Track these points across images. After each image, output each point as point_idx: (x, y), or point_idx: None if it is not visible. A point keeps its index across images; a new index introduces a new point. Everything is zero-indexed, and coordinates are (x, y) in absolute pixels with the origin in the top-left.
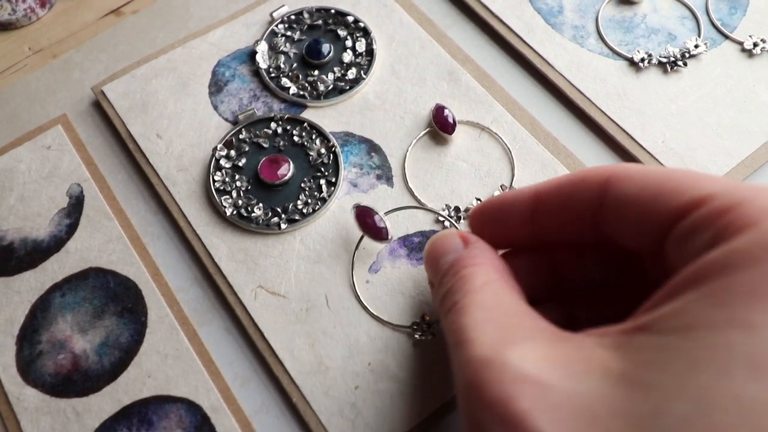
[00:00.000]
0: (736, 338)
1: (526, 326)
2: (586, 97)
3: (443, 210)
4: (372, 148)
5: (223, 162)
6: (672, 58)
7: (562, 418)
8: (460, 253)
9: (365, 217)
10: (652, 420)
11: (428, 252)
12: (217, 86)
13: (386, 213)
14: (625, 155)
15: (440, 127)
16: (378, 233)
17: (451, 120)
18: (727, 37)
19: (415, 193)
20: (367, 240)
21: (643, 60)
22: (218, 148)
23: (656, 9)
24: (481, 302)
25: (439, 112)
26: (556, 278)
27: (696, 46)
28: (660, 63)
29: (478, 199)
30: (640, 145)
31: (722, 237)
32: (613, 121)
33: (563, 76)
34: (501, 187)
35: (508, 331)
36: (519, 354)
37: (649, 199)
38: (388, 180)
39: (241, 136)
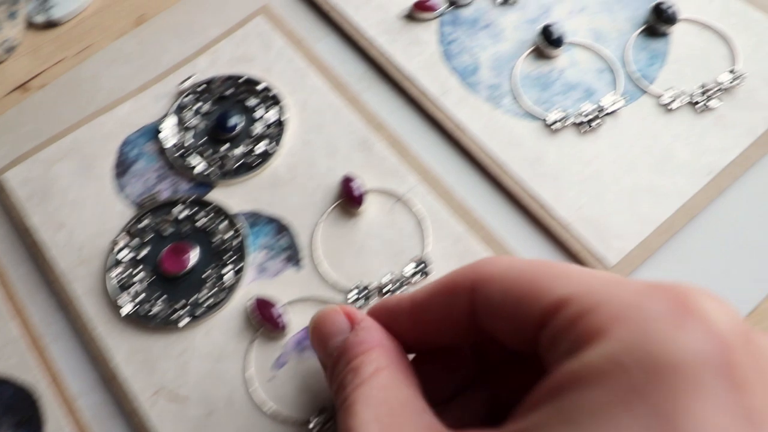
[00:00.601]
0: None
1: (410, 425)
2: (499, 164)
3: (352, 292)
4: (281, 227)
5: (122, 254)
6: (588, 117)
7: None
8: (347, 336)
9: (263, 310)
10: None
11: (314, 332)
12: (122, 167)
13: (290, 302)
14: (540, 226)
15: (348, 200)
16: (275, 326)
17: (358, 192)
18: (644, 91)
19: (324, 276)
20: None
21: (556, 122)
22: (117, 240)
23: (574, 63)
24: (368, 398)
25: (346, 184)
26: (470, 363)
27: (613, 102)
28: (577, 123)
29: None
30: (553, 216)
31: (576, 347)
32: (526, 190)
33: (477, 141)
34: (412, 260)
35: None
36: None
37: (513, 305)
38: (297, 262)
39: (142, 224)
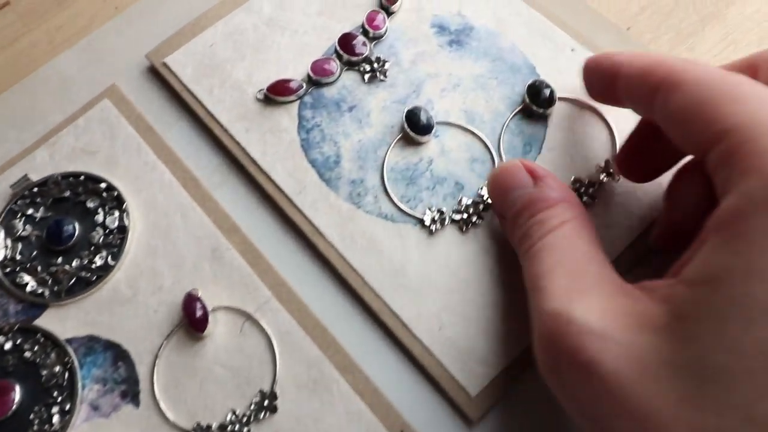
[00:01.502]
0: (755, 290)
1: (592, 274)
2: (359, 274)
3: None
4: (119, 355)
5: None
6: (464, 215)
7: (620, 366)
8: (531, 190)
9: None
10: (694, 368)
11: (495, 185)
12: None
13: None
14: (401, 347)
15: (190, 322)
16: None
17: (200, 314)
18: None
19: (165, 413)
20: None
21: (434, 221)
22: None
23: (444, 151)
24: (553, 247)
25: (188, 304)
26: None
27: (486, 196)
28: (455, 220)
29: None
30: (415, 336)
31: (737, 178)
32: (387, 305)
33: (336, 248)
34: (260, 392)
35: (575, 281)
36: (583, 308)
37: (690, 121)
38: (134, 397)
39: None
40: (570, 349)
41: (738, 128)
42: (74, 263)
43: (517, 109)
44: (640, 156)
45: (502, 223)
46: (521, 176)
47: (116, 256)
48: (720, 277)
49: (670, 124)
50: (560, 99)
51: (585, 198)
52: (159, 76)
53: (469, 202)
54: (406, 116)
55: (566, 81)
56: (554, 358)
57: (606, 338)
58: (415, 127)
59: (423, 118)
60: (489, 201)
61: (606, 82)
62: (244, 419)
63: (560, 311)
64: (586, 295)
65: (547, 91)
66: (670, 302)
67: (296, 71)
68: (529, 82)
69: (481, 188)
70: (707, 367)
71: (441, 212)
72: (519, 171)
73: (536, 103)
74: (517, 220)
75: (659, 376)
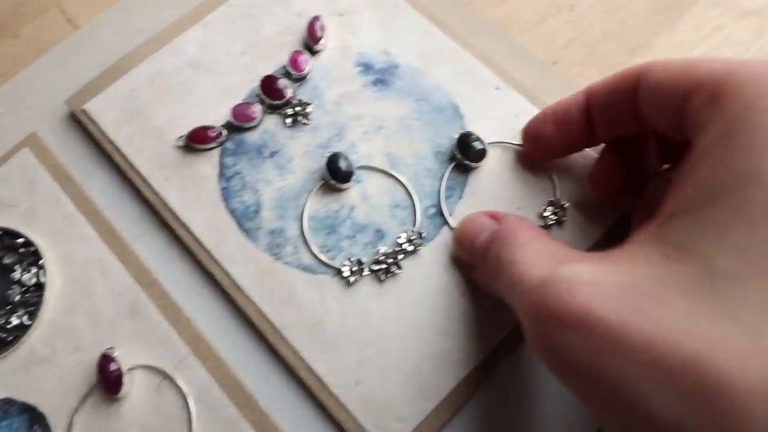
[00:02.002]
0: (753, 193)
1: (573, 253)
2: (277, 328)
3: None
4: (35, 418)
5: None
6: (383, 265)
7: (619, 303)
8: (494, 228)
9: None
10: (701, 283)
11: (460, 237)
12: None
13: None
14: (318, 403)
15: (104, 384)
16: None
17: (115, 375)
18: (446, 223)
19: None
20: None
21: (352, 272)
22: None
23: (366, 197)
24: (530, 251)
25: (102, 366)
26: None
27: (410, 241)
28: (374, 270)
29: None
30: (331, 392)
31: (717, 107)
32: (304, 360)
33: (254, 301)
34: None
35: (557, 259)
36: (569, 268)
37: (669, 85)
38: None
39: None
40: (561, 305)
41: (712, 74)
42: None
43: (452, 166)
44: (614, 172)
45: (474, 274)
46: (483, 221)
47: (33, 315)
48: (716, 194)
49: (650, 100)
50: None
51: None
52: (79, 123)
53: (388, 250)
54: (326, 164)
55: (489, 121)
56: (545, 325)
57: (597, 283)
58: (335, 175)
59: (343, 165)
60: (408, 249)
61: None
62: None
63: (546, 277)
64: (571, 262)
65: (478, 147)
66: (665, 235)
67: (219, 115)
68: (458, 135)
69: (400, 236)
70: (715, 277)
71: (360, 262)
72: (480, 217)
73: (468, 157)
74: (487, 255)
75: (664, 299)
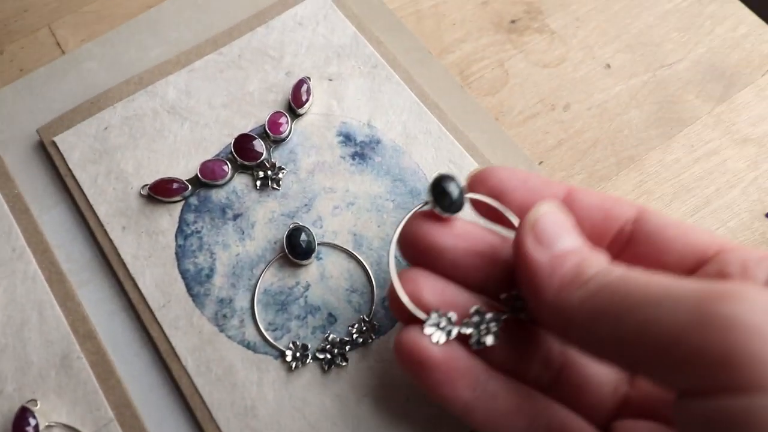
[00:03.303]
0: None
1: None
2: (208, 407)
3: None
4: None
5: None
6: (330, 354)
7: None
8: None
9: None
10: None
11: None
12: None
13: None
14: None
15: None
16: None
17: None
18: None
19: None
20: None
21: (296, 358)
22: None
23: (324, 276)
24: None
25: (18, 420)
26: None
27: (362, 332)
28: (320, 358)
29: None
30: None
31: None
32: None
33: (188, 374)
34: None
35: None
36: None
37: (671, 240)
38: None
39: None
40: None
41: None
42: None
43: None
44: None
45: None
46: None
47: None
48: None
49: (648, 245)
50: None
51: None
52: (46, 154)
53: (336, 339)
54: (286, 236)
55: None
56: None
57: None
58: (294, 250)
59: (303, 242)
60: (358, 340)
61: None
62: None
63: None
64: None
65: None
66: None
67: (188, 167)
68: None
69: (353, 325)
70: None
71: (305, 347)
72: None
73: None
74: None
75: None
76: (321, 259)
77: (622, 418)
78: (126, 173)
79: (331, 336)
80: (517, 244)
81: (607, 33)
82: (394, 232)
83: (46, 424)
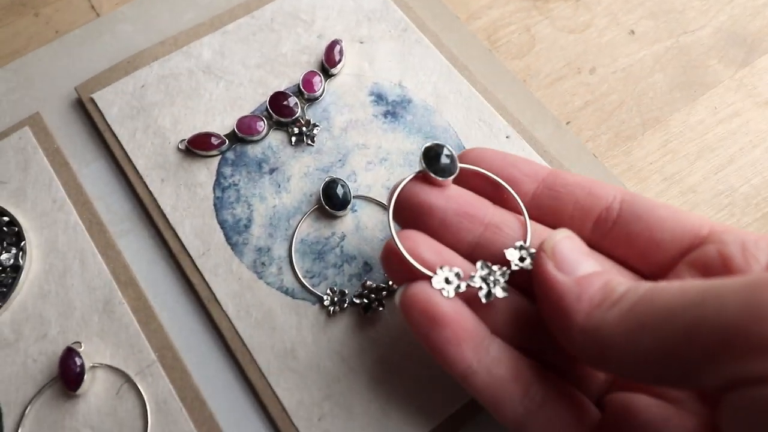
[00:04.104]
0: None
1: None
2: (249, 349)
3: None
4: None
5: None
6: (363, 300)
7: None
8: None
9: None
10: None
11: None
12: None
13: None
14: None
15: (64, 379)
16: None
17: (76, 372)
18: None
19: None
20: None
21: (334, 303)
22: None
23: (359, 227)
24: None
25: (65, 360)
26: None
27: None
28: (353, 304)
29: None
30: (294, 423)
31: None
32: (270, 386)
33: (230, 317)
34: None
35: None
36: None
37: (659, 224)
38: None
39: None
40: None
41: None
42: None
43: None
44: None
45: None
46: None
47: (5, 297)
48: None
49: (632, 228)
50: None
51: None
52: (85, 111)
53: (373, 285)
54: (323, 188)
55: None
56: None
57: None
58: (330, 201)
59: (339, 192)
60: (394, 287)
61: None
62: None
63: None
64: None
65: (445, 159)
66: None
67: (224, 124)
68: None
69: None
70: None
71: (343, 293)
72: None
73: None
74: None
75: None
76: (356, 211)
77: (615, 390)
78: (163, 128)
79: (368, 282)
80: (538, 272)
81: (631, 0)
82: (391, 195)
83: (91, 364)
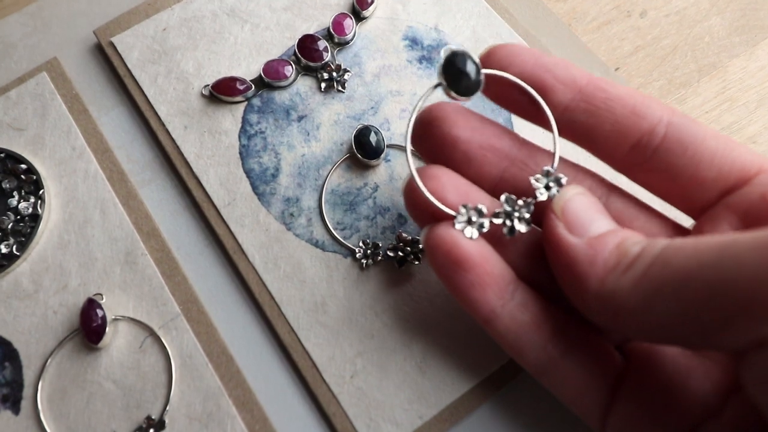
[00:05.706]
0: None
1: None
2: (277, 303)
3: None
4: (7, 354)
5: None
6: (398, 252)
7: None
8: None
9: None
10: None
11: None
12: None
13: None
14: (308, 390)
15: (85, 331)
16: None
17: (97, 324)
18: None
19: (45, 426)
20: None
21: (367, 257)
22: None
23: (392, 177)
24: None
25: (87, 311)
26: None
27: None
28: (387, 257)
29: None
30: (324, 380)
31: None
32: (300, 342)
33: (257, 270)
34: (147, 418)
35: None
36: None
37: (699, 156)
38: (15, 404)
39: None
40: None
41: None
42: None
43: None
44: None
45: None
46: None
47: (23, 246)
48: None
49: (673, 159)
50: None
51: None
52: (104, 56)
53: (408, 238)
54: (355, 136)
55: None
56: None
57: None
58: (363, 149)
59: (373, 140)
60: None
61: None
62: None
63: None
64: None
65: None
66: None
67: (249, 69)
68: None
69: None
70: None
71: (376, 246)
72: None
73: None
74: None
75: None
76: (389, 161)
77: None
78: (186, 73)
79: (403, 235)
80: (548, 233)
81: None
82: (407, 125)
83: (113, 317)
